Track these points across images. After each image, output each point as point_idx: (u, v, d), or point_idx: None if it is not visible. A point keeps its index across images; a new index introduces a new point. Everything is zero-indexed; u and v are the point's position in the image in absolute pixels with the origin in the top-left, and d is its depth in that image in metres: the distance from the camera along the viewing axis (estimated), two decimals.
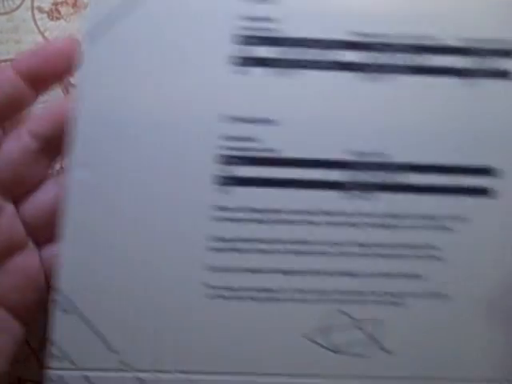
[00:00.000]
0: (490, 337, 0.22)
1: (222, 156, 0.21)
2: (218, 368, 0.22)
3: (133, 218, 0.21)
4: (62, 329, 0.21)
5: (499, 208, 0.21)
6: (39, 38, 0.24)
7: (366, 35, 0.21)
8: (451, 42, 0.20)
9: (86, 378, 0.22)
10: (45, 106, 0.23)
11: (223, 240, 0.21)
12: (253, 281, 0.21)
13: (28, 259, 0.23)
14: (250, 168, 0.21)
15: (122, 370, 0.22)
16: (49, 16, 0.24)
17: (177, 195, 0.21)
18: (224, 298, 0.21)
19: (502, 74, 0.21)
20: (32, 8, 0.24)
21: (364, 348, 0.22)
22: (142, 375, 0.22)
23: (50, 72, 0.21)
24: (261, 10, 0.21)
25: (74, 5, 0.24)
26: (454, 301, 0.22)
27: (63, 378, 0.22)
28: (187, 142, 0.21)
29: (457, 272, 0.21)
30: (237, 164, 0.21)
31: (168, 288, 0.21)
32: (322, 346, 0.22)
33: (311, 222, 0.21)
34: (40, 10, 0.24)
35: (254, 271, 0.21)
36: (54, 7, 0.24)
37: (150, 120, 0.21)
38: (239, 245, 0.21)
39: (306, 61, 0.21)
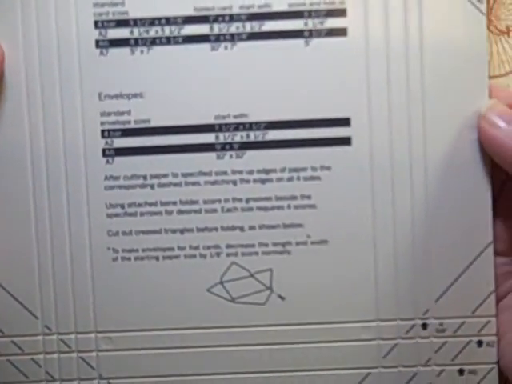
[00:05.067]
0: (364, 278, 0.23)
1: (103, 130, 0.23)
2: (131, 325, 0.24)
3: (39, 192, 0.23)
4: None
5: (354, 153, 0.23)
6: None
7: (208, 9, 0.22)
8: (283, 7, 0.22)
9: (14, 342, 0.24)
10: None
11: (118, 206, 0.23)
12: (152, 242, 0.23)
13: None
14: (127, 139, 0.23)
15: (46, 334, 0.24)
16: None
17: (74, 171, 0.23)
18: (128, 259, 0.24)
19: (333, 33, 0.22)
20: None
21: (260, 296, 0.24)
22: (64, 337, 0.24)
23: None
24: None
25: None
26: (331, 245, 0.23)
27: None
28: (76, 121, 0.23)
29: (329, 218, 0.23)
30: (116, 136, 0.23)
31: (77, 255, 0.24)
32: (222, 297, 0.24)
33: (193, 183, 0.23)
34: None
35: (151, 232, 0.23)
36: None
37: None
38: (131, 209, 0.23)
39: (158, 38, 0.23)
